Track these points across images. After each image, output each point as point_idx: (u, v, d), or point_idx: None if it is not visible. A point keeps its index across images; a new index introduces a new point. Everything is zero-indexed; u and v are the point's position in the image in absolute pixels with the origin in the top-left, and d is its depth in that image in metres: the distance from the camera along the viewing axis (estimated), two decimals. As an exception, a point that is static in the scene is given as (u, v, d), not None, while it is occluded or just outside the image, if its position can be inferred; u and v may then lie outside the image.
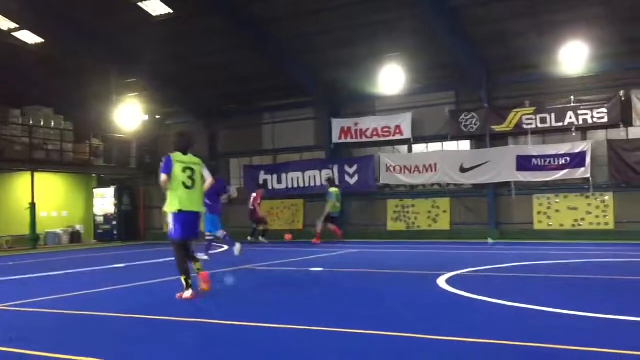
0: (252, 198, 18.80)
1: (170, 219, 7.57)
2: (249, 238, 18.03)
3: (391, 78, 17.43)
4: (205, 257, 12.32)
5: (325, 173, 20.10)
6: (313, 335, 5.25)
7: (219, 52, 18.61)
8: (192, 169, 7.63)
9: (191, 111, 22.81)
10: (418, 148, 19.47)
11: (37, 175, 19.95)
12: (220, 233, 13.56)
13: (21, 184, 20.57)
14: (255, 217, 18.79)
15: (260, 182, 20.69)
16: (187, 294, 7.27)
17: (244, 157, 22.35)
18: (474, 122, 18.00)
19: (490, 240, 15.50)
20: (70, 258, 15.45)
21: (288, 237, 18.44)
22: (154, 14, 16.81)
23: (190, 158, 7.74)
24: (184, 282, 7.37)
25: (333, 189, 18.29)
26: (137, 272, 11.82)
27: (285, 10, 16.60)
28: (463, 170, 18.24)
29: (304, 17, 16.73)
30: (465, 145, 18.93)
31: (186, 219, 7.46)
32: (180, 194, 7.43)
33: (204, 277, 7.62)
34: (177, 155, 7.65)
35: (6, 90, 20.27)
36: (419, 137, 19.12)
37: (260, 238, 18.44)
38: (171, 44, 18.37)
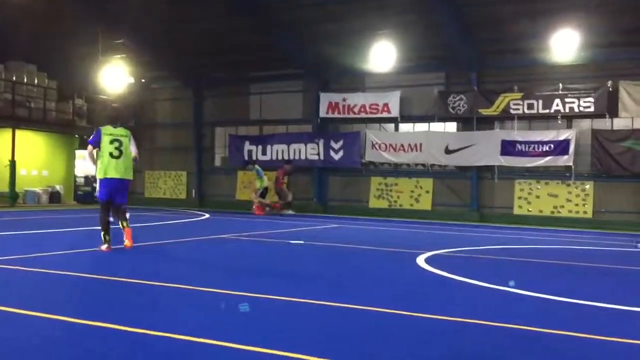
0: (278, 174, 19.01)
1: (97, 183, 9.07)
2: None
3: (381, 55, 17.35)
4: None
5: (311, 147, 20.05)
6: (291, 306, 5.27)
7: (209, 18, 18.34)
8: (119, 141, 8.61)
9: (178, 77, 22.54)
10: (405, 127, 19.48)
11: (18, 132, 19.67)
12: None
13: (1, 141, 20.25)
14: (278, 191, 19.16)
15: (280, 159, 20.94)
16: (103, 247, 8.42)
17: (230, 127, 22.19)
18: (462, 104, 18.01)
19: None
20: (47, 217, 15.31)
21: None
22: (144, -25, 16.46)
23: (119, 130, 8.69)
24: (102, 237, 8.49)
25: (258, 167, 19.03)
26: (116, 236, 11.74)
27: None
28: (448, 151, 18.31)
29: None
30: (451, 127, 18.97)
31: (110, 184, 8.59)
32: (106, 162, 8.50)
33: (127, 233, 8.78)
34: (107, 129, 8.63)
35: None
36: (406, 116, 19.11)
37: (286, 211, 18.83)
38: (160, 6, 18.03)
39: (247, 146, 21.29)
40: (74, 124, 22.07)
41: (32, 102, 20.64)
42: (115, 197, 8.63)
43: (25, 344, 3.89)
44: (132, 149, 8.72)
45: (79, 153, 23.36)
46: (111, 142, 8.51)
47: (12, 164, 19.27)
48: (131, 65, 20.84)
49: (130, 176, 8.76)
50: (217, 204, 21.60)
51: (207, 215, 17.55)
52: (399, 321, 4.81)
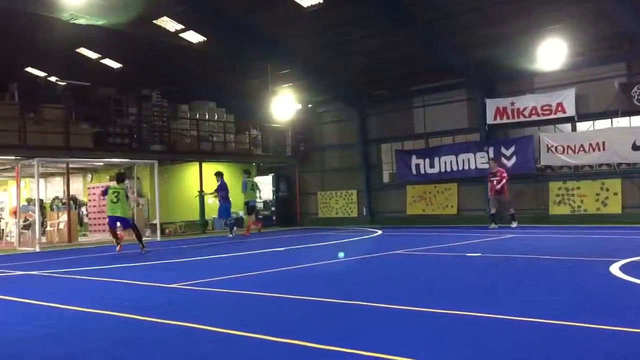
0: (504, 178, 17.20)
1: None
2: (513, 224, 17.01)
3: (551, 52, 16.29)
4: None
5: (480, 156, 19.41)
6: (478, 322, 5.09)
7: (368, 37, 18.64)
8: (118, 192, 13.78)
9: (342, 98, 23.18)
10: (583, 126, 18.07)
11: (204, 165, 21.51)
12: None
13: (191, 174, 22.31)
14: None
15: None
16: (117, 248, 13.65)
17: (396, 142, 22.26)
18: (648, 95, 16.29)
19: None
20: (235, 242, 16.48)
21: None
22: (305, 6, 17.24)
23: (120, 185, 14.07)
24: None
25: (249, 180, 19.04)
26: (296, 256, 12.30)
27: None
28: (636, 148, 16.61)
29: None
30: (638, 120, 17.20)
31: (111, 218, 13.95)
32: (110, 205, 13.81)
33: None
34: (111, 186, 14.29)
35: (176, 88, 22.10)
36: (584, 114, 17.73)
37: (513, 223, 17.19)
38: (321, 33, 18.75)
39: (414, 160, 21.18)
40: (251, 153, 23.67)
41: (214, 136, 22.54)
42: (115, 225, 14.13)
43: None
44: (129, 195, 14.32)
45: (257, 179, 24.94)
46: (112, 192, 13.75)
47: (201, 194, 21.10)
48: (298, 93, 21.89)
49: (126, 214, 14.04)
50: (388, 220, 21.71)
51: (379, 232, 17.71)
52: (597, 335, 4.42)
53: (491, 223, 17.28)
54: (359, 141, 22.88)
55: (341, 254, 10.84)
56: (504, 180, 17.17)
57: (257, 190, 19.87)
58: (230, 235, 17.90)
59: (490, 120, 19.19)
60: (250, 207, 19.33)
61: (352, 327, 5.06)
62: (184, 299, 6.99)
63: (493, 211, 17.53)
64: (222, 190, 18.27)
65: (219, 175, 18.54)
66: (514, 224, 16.99)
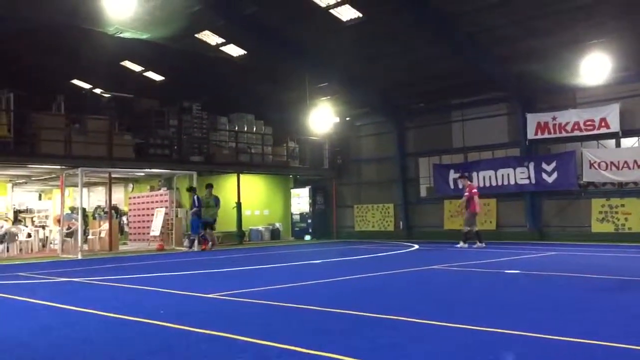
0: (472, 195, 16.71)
1: None
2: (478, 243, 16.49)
3: (594, 67, 15.95)
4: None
5: (520, 171, 19.09)
6: (521, 341, 4.99)
7: (407, 51, 18.62)
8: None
9: (380, 111, 23.16)
10: (627, 142, 17.61)
11: (242, 176, 21.74)
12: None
13: (229, 185, 22.56)
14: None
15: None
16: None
17: (434, 156, 22.09)
18: (697, 110, 15.79)
19: None
20: (272, 253, 16.57)
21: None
22: (344, 19, 17.35)
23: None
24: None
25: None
26: (332, 268, 12.29)
27: (473, 3, 16.05)
28: (683, 165, 16.09)
29: (493, 9, 16.03)
30: (686, 137, 16.68)
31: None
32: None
33: None
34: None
35: (215, 100, 22.46)
36: (629, 130, 17.28)
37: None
38: (360, 46, 18.82)
39: (452, 175, 20.96)
40: (288, 165, 23.81)
41: (252, 148, 22.78)
42: None
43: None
44: None
45: (294, 192, 25.10)
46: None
47: (239, 205, 21.31)
48: (336, 106, 21.97)
49: None
50: (425, 234, 21.50)
51: (416, 246, 17.54)
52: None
53: (464, 242, 16.60)
54: (397, 154, 22.78)
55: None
56: (469, 196, 16.65)
57: (212, 207, 18.59)
58: (193, 249, 18.19)
59: (531, 135, 18.87)
60: (206, 223, 18.43)
61: (386, 341, 5.01)
62: (219, 308, 7.05)
63: (468, 227, 16.84)
64: (195, 207, 18.43)
65: (192, 191, 18.78)
66: (461, 244, 16.44)
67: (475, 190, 16.90)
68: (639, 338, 4.89)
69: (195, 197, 18.45)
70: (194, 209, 18.39)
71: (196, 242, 18.43)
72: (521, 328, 5.29)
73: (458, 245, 16.50)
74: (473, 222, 16.74)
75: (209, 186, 18.77)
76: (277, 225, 24.30)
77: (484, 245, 16.32)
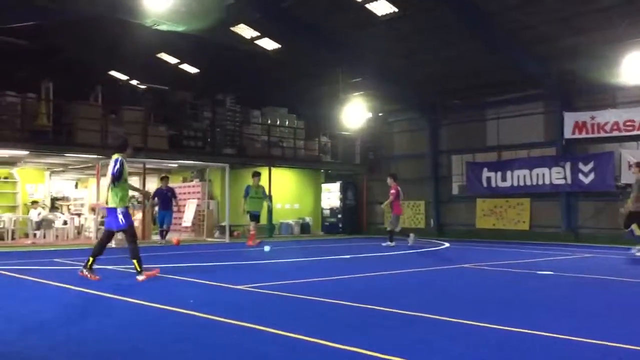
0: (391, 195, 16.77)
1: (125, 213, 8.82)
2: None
3: (635, 66, 15.53)
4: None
5: (556, 171, 18.72)
6: (562, 344, 4.89)
7: (443, 46, 18.40)
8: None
9: (414, 107, 22.97)
10: (669, 143, 17.12)
11: (273, 170, 21.81)
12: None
13: (261, 178, 22.59)
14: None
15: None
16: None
17: (467, 154, 21.81)
18: None
19: None
20: (302, 247, 16.59)
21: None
22: (379, 14, 17.22)
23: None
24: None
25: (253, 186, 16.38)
26: (361, 264, 12.26)
27: (512, 0, 15.77)
28: None
29: (533, 6, 15.71)
30: None
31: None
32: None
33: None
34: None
35: (248, 93, 22.57)
36: (671, 131, 16.78)
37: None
38: (395, 41, 18.66)
39: (486, 173, 20.68)
40: (319, 159, 23.81)
41: (284, 142, 22.83)
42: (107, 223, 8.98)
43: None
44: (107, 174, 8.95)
45: (324, 186, 25.08)
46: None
47: (270, 198, 21.36)
48: (369, 101, 21.84)
49: (112, 204, 8.68)
50: (456, 232, 21.27)
51: (447, 245, 17.37)
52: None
53: (392, 241, 16.46)
54: (429, 151, 22.57)
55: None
56: (391, 197, 16.64)
57: (264, 199, 17.00)
58: (162, 241, 17.46)
59: (568, 134, 18.47)
60: (253, 216, 16.57)
61: (415, 338, 4.97)
62: (249, 300, 7.08)
63: (390, 228, 16.84)
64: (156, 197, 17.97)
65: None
66: (387, 243, 16.27)
67: (393, 192, 16.74)
68: (677, 344, 4.74)
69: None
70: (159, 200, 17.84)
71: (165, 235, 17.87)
72: (553, 330, 5.18)
73: (384, 244, 16.36)
74: (397, 224, 16.82)
75: (257, 174, 16.80)
76: (307, 219, 24.33)
77: (393, 244, 16.20)
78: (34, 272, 9.84)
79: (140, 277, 8.48)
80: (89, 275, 8.58)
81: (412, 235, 17.14)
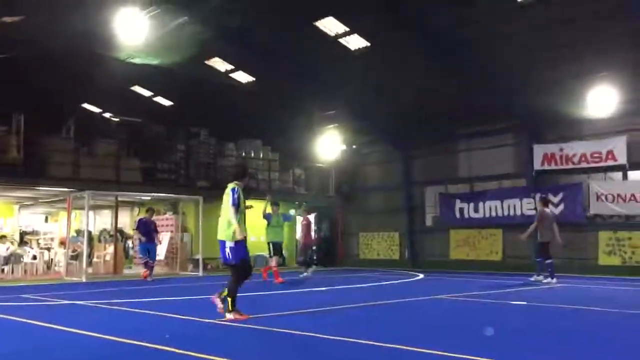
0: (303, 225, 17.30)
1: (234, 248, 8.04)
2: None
3: (601, 99, 16.05)
4: None
5: (527, 202, 19.04)
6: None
7: (414, 80, 18.73)
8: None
9: (387, 139, 23.23)
10: (635, 175, 17.57)
11: (247, 202, 21.67)
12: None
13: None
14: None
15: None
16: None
17: (440, 185, 22.07)
18: None
19: None
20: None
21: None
22: (352, 48, 17.54)
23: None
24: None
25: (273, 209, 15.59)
26: (338, 295, 12.21)
27: (482, 34, 16.21)
28: (692, 199, 16.02)
29: (503, 40, 16.18)
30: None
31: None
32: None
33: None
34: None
35: (223, 126, 22.60)
36: (636, 163, 17.24)
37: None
38: (368, 75, 18.96)
39: (458, 204, 20.93)
40: (293, 191, 23.83)
41: (259, 174, 22.83)
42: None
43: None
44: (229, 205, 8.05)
45: (300, 219, 25.01)
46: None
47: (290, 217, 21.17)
48: (343, 133, 22.07)
49: (222, 236, 8.13)
50: (430, 263, 21.36)
51: (421, 276, 17.43)
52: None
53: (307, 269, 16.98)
54: (403, 183, 22.79)
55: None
56: (304, 227, 17.24)
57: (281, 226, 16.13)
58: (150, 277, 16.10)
59: (537, 166, 18.87)
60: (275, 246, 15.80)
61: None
62: (223, 334, 7.01)
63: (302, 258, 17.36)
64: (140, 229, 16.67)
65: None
66: (305, 272, 16.75)
67: (304, 223, 17.25)
68: None
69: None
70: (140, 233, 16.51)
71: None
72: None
73: (301, 275, 16.69)
74: (305, 252, 17.44)
75: (276, 204, 16.30)
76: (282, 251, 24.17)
77: (308, 274, 16.68)
78: None
79: (229, 316, 7.81)
80: (235, 317, 7.83)
81: (310, 270, 17.06)
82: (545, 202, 15.17)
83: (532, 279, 14.47)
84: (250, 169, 22.27)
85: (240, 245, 8.02)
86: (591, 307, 9.55)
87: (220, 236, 8.12)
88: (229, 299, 7.91)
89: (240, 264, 8.01)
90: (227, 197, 8.10)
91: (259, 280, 14.66)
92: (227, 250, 8.00)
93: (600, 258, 17.74)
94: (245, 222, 8.25)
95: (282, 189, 23.54)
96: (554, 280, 13.95)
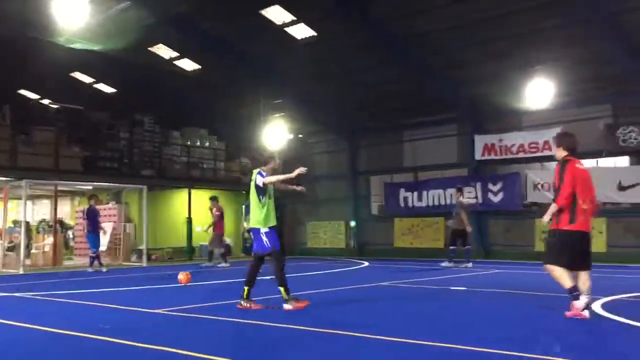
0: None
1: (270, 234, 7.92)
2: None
3: (539, 91, 16.62)
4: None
5: (467, 191, 19.56)
6: (453, 354, 5.13)
7: (361, 70, 18.93)
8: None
9: (333, 129, 23.40)
10: (569, 164, 18.29)
11: (193, 192, 21.50)
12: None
13: (179, 200, 22.27)
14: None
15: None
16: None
17: (385, 175, 22.42)
18: (634, 136, 16.60)
19: None
20: (220, 270, 16.39)
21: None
22: (299, 38, 17.53)
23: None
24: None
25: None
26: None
27: (429, 26, 16.47)
28: (621, 188, 16.86)
29: (445, 32, 16.51)
30: (623, 161, 17.49)
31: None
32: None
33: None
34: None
35: (168, 114, 22.24)
36: (570, 153, 17.94)
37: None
38: (314, 64, 19.03)
39: (403, 193, 21.33)
40: (240, 181, 23.70)
41: (204, 163, 22.60)
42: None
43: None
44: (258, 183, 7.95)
45: (245, 208, 24.92)
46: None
47: (189, 221, 21.04)
48: (289, 122, 22.06)
49: (253, 224, 8.04)
50: (375, 252, 21.71)
51: (366, 264, 17.70)
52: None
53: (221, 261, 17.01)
54: (349, 173, 23.02)
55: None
56: (215, 218, 17.27)
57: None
58: (90, 269, 15.53)
59: (478, 156, 19.42)
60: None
61: (334, 355, 5.07)
62: (165, 324, 6.97)
63: (211, 248, 17.37)
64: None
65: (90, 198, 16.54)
66: (214, 263, 16.85)
67: (217, 213, 17.27)
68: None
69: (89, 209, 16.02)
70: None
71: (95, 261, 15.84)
72: (465, 342, 5.44)
73: (204, 265, 16.85)
74: (217, 243, 17.23)
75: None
76: (228, 241, 24.03)
77: (228, 265, 16.83)
78: None
79: (287, 306, 7.58)
80: (248, 306, 7.74)
81: (224, 264, 16.94)
82: (461, 191, 16.23)
83: (443, 264, 15.48)
84: (193, 158, 22.09)
85: (274, 230, 7.87)
86: (527, 292, 9.95)
87: (253, 224, 7.91)
88: (281, 289, 7.67)
89: (279, 249, 7.85)
90: (253, 183, 8.00)
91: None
92: (264, 237, 7.81)
93: (537, 245, 18.45)
94: (275, 210, 8.05)
95: (229, 178, 23.38)
96: (470, 264, 15.33)
